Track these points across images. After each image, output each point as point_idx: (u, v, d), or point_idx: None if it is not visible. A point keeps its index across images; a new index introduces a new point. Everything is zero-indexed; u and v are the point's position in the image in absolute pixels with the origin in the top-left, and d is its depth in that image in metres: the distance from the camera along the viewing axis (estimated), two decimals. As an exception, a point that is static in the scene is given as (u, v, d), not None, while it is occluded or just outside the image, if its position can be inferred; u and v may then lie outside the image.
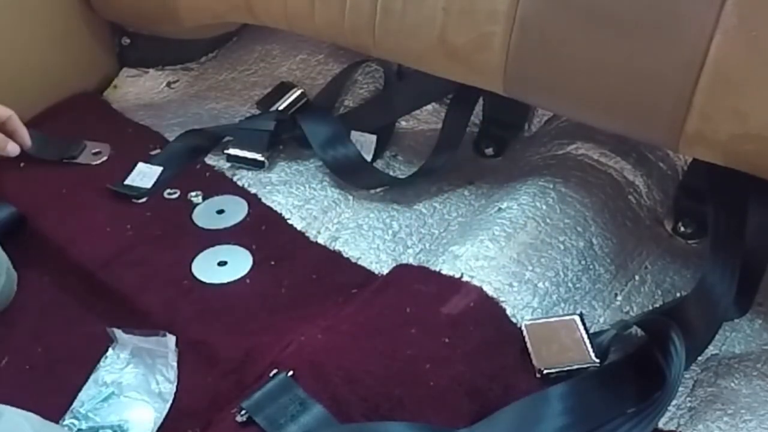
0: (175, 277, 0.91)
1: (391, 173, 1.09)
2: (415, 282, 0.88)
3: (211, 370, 0.82)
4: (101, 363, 0.84)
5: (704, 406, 0.80)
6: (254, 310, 0.89)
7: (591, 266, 0.92)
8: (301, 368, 0.78)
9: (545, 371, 0.80)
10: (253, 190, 1.04)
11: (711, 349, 0.85)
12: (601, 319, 0.89)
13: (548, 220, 0.93)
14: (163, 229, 0.98)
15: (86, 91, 1.23)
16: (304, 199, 1.03)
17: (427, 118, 1.18)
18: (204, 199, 1.02)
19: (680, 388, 0.80)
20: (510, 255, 0.89)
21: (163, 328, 0.84)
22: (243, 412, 0.75)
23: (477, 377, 0.79)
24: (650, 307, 0.91)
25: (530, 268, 0.89)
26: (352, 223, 1.01)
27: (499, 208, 0.95)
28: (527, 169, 1.04)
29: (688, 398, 0.81)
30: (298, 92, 1.20)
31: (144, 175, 1.04)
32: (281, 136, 1.11)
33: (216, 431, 0.76)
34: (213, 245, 0.96)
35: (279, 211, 1.01)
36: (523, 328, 0.83)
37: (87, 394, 0.81)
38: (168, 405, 0.80)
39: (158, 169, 1.05)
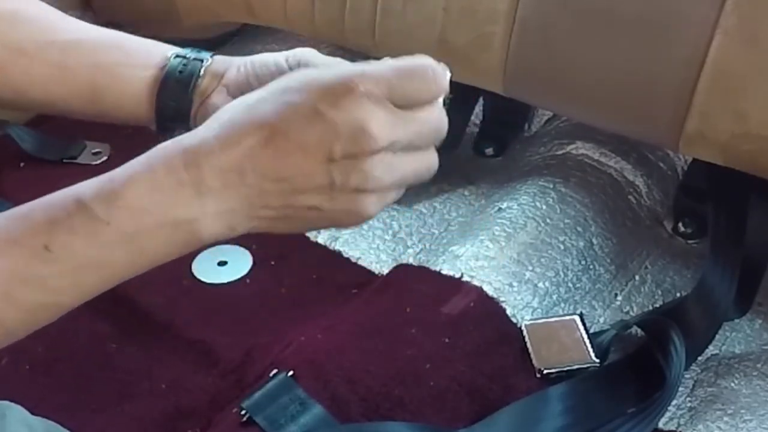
0: (175, 277, 0.91)
1: (391, 173, 1.09)
2: (415, 282, 0.88)
3: (211, 370, 0.82)
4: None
5: (704, 406, 0.80)
6: (254, 310, 0.89)
7: (591, 266, 0.92)
8: (301, 368, 0.78)
9: (545, 371, 0.80)
10: (253, 190, 1.03)
11: (711, 349, 0.85)
12: (601, 319, 0.89)
13: (548, 220, 0.93)
14: (163, 228, 0.97)
15: (86, 91, 1.23)
16: (304, 199, 1.03)
17: (427, 118, 1.18)
18: (204, 199, 1.02)
19: (680, 388, 0.80)
20: (510, 255, 0.89)
21: (163, 328, 0.84)
22: (243, 412, 0.75)
23: (477, 377, 0.79)
24: (650, 307, 0.90)
25: (530, 268, 0.89)
26: (352, 223, 1.01)
27: (499, 208, 0.95)
28: (527, 169, 1.04)
29: (688, 398, 0.81)
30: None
31: (144, 175, 1.04)
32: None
33: (216, 431, 0.76)
34: (213, 245, 0.95)
35: (279, 211, 1.01)
36: (523, 328, 0.83)
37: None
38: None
39: (158, 169, 1.05)
